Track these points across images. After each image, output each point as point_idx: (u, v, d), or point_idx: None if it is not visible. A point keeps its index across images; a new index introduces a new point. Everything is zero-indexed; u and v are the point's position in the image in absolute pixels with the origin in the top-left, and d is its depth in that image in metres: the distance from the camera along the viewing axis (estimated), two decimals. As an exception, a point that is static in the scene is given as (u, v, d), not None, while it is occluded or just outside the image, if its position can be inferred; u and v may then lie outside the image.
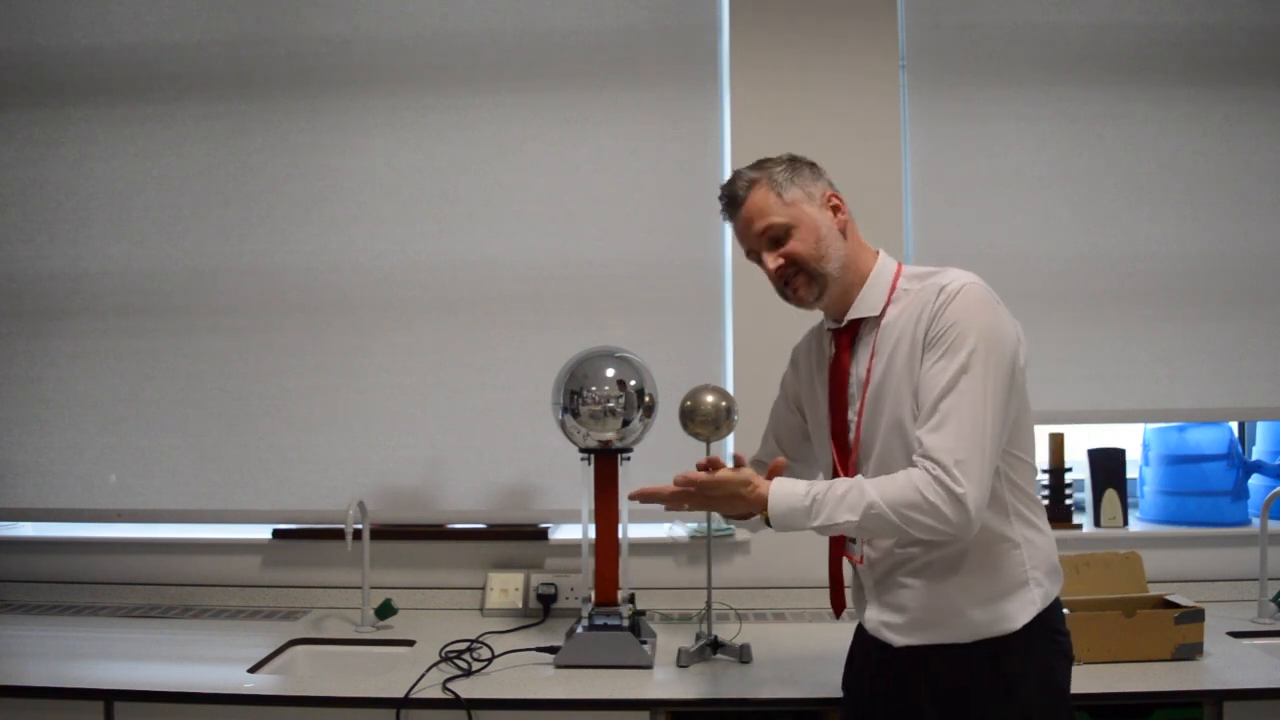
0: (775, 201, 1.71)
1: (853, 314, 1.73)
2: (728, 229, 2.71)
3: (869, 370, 1.69)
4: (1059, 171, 2.74)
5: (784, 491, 1.59)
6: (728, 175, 2.69)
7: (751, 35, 2.74)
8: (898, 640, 1.67)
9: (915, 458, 1.56)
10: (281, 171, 2.80)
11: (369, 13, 2.80)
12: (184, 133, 2.82)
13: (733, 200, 1.76)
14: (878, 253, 1.77)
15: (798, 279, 1.72)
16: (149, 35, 2.82)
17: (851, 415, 1.72)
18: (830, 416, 1.77)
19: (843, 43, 2.73)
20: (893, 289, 1.71)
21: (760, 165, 1.77)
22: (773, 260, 1.72)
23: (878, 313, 1.71)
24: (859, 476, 1.61)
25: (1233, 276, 2.73)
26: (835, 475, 1.75)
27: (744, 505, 1.63)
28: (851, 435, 1.72)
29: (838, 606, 1.82)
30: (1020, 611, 1.62)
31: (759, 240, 1.74)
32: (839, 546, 1.78)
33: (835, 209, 1.74)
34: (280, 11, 2.80)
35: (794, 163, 1.76)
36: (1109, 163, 2.74)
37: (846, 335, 1.74)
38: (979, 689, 1.62)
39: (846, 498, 1.55)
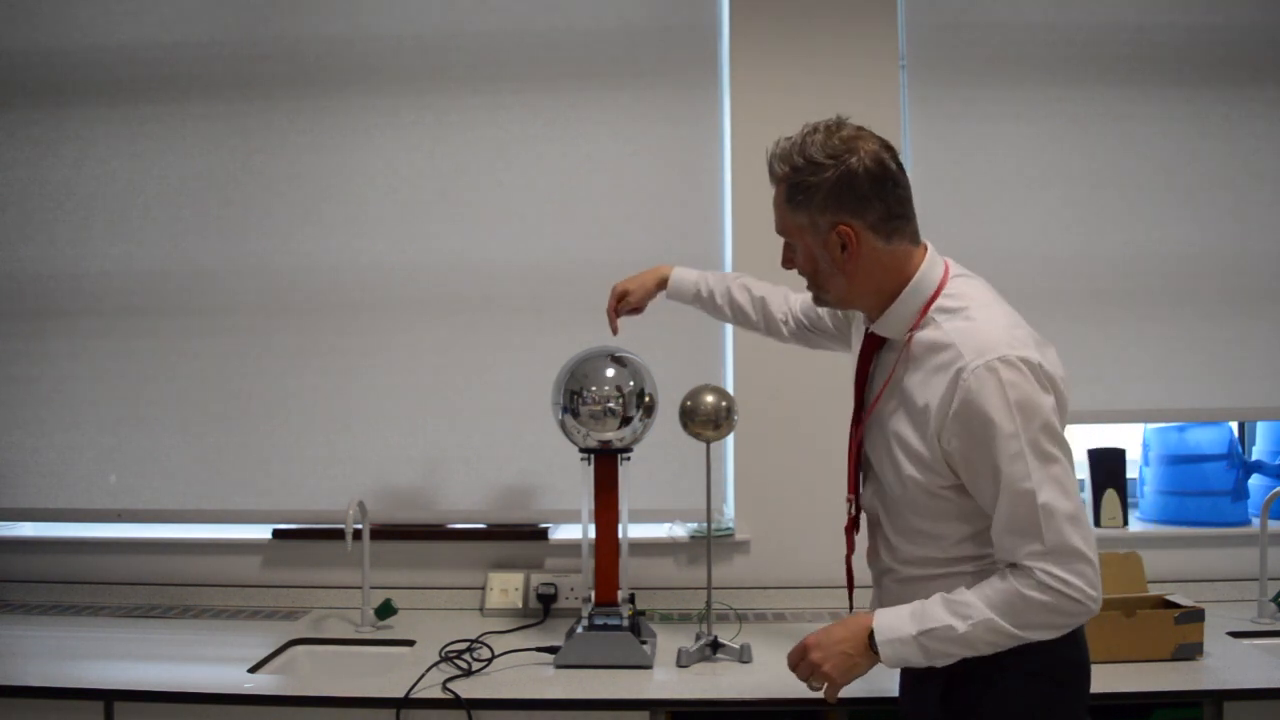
0: (784, 209, 1.60)
1: (876, 329, 1.63)
2: (728, 228, 2.74)
3: (880, 394, 1.63)
4: (1059, 171, 2.73)
5: (886, 617, 1.53)
6: (728, 175, 2.73)
7: (751, 35, 2.74)
8: None
9: (1014, 564, 1.46)
10: (281, 171, 2.80)
11: (369, 13, 2.79)
12: (184, 133, 2.81)
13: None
14: (920, 263, 1.59)
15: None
16: (149, 35, 2.82)
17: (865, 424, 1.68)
18: (853, 414, 1.71)
19: (843, 43, 2.73)
20: (924, 312, 1.56)
21: (791, 158, 1.55)
22: (783, 254, 1.66)
23: (900, 337, 1.59)
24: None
25: (1233, 276, 2.73)
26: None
27: (851, 644, 1.54)
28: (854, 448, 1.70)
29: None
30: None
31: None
32: (848, 546, 1.75)
33: (844, 246, 1.55)
34: (280, 11, 2.80)
35: (820, 175, 1.53)
36: (1109, 163, 2.73)
37: (872, 344, 1.66)
38: (962, 706, 1.59)
39: (949, 604, 1.48)
